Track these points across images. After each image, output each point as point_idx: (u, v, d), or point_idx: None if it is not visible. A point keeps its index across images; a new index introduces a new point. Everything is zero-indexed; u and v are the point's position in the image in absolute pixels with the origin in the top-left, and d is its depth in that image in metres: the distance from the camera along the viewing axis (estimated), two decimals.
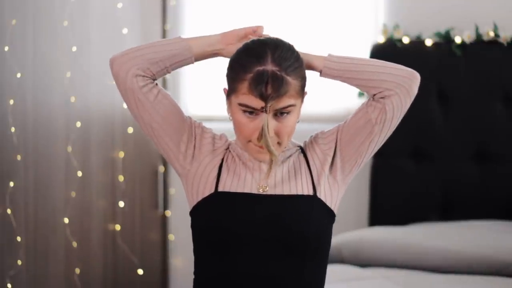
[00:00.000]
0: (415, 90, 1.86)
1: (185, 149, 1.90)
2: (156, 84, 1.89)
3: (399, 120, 1.88)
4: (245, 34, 1.91)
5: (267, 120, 1.77)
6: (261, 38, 1.86)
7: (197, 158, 1.90)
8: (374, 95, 1.85)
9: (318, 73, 1.89)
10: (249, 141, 1.82)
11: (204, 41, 1.91)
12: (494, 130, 3.54)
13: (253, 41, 1.83)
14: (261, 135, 1.77)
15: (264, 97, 1.75)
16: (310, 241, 1.82)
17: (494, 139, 3.55)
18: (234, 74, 1.80)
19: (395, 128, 1.89)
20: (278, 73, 1.76)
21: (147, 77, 1.87)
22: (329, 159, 1.88)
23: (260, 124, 1.78)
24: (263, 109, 1.76)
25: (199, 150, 1.90)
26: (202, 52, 1.90)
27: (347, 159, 1.88)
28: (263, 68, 1.76)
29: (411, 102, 1.87)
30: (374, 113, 1.85)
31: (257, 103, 1.76)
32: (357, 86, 1.88)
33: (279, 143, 1.82)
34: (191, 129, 1.91)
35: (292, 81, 1.78)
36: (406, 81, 1.84)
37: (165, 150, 1.91)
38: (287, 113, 1.80)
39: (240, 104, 1.79)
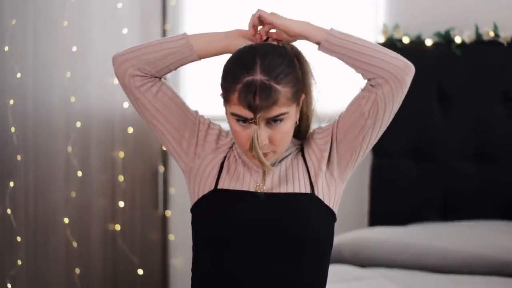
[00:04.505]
0: (408, 82, 1.81)
1: (187, 146, 1.90)
2: (160, 79, 1.88)
3: (392, 115, 1.83)
4: (253, 26, 1.86)
5: (257, 132, 1.75)
6: (252, 44, 1.83)
7: (200, 155, 1.90)
8: (369, 80, 1.81)
9: (316, 46, 1.84)
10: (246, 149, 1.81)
11: (208, 37, 1.88)
12: (494, 130, 3.54)
13: (244, 48, 1.81)
14: (252, 146, 1.76)
15: (252, 108, 1.73)
16: (306, 239, 1.81)
17: (494, 139, 3.54)
18: (226, 84, 1.79)
19: (388, 123, 1.85)
20: (267, 82, 1.74)
21: (146, 76, 1.87)
22: (326, 155, 1.87)
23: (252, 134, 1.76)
24: (252, 121, 1.75)
25: (202, 147, 1.90)
26: (206, 48, 1.88)
27: (343, 154, 1.86)
28: (252, 78, 1.74)
29: (403, 94, 1.82)
30: (367, 105, 1.81)
31: (247, 113, 1.75)
32: (352, 66, 1.82)
33: (274, 151, 1.81)
34: (194, 126, 1.90)
35: (282, 89, 1.75)
36: (400, 72, 1.79)
37: (168, 146, 1.92)
38: (280, 120, 1.78)
39: (232, 114, 1.78)
